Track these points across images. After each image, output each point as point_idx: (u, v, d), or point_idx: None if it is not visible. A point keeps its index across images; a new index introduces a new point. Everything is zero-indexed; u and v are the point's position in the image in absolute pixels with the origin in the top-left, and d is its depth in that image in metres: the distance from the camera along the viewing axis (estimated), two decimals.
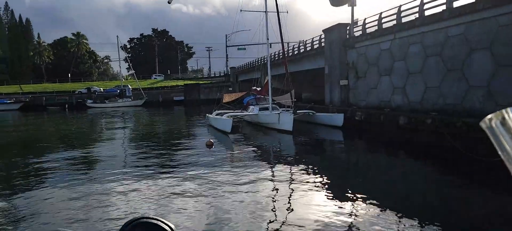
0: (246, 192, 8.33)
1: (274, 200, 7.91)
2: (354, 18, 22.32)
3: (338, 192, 7.93)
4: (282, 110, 19.94)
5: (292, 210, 7.18)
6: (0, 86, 61.41)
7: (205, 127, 22.30)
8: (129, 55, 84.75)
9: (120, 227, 0.86)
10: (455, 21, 13.83)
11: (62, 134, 23.71)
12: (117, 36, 60.62)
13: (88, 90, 57.75)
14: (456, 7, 14.03)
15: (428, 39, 15.05)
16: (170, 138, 20.29)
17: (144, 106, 50.07)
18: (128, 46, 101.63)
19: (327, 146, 16.56)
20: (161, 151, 14.73)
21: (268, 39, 22.18)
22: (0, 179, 11.09)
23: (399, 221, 6.27)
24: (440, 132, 12.02)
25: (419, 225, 6.10)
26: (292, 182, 9.46)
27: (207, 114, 23.31)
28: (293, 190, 8.66)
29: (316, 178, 9.53)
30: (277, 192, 8.51)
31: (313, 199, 7.79)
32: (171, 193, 8.30)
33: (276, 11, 20.80)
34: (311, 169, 10.49)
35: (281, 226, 6.33)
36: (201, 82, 66.95)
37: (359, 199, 7.46)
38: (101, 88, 59.53)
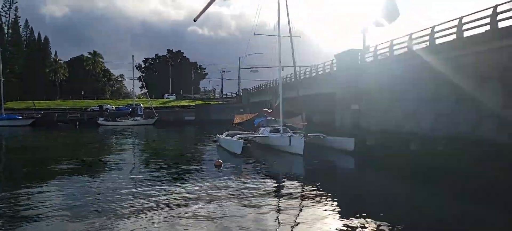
0: (253, 214, 8.31)
1: (281, 223, 7.88)
2: (366, 44, 22.60)
3: (349, 219, 7.83)
4: (293, 133, 19.99)
5: None
6: (13, 102, 62.75)
7: (215, 147, 22.41)
8: (143, 74, 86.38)
9: None
10: (465, 51, 13.96)
11: (68, 151, 23.99)
12: (132, 55, 62.01)
13: (100, 108, 58.72)
14: (467, 37, 14.20)
15: (440, 67, 15.13)
16: (179, 157, 20.39)
17: (155, 125, 50.60)
18: (143, 65, 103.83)
19: (338, 171, 16.44)
20: (169, 170, 14.78)
21: (280, 62, 22.49)
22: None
23: None
24: (452, 157, 11.91)
25: None
26: (301, 205, 9.40)
27: (218, 135, 23.46)
28: (300, 214, 8.61)
29: (327, 203, 9.44)
30: (284, 214, 8.46)
31: (322, 225, 7.70)
32: (178, 213, 8.30)
33: (289, 35, 21.21)
34: (321, 194, 10.41)
35: None
36: (212, 102, 67.65)
37: (368, 227, 7.36)
38: (113, 106, 60.48)
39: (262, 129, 22.39)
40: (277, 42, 22.22)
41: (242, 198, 9.73)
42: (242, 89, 68.55)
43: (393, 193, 11.19)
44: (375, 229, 7.23)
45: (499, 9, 12.73)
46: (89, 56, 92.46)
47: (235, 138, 20.51)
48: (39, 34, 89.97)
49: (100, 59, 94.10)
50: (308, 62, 37.88)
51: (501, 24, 12.65)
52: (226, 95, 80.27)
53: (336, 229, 7.27)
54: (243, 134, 22.51)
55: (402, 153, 15.14)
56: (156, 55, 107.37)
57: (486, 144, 11.95)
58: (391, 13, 20.56)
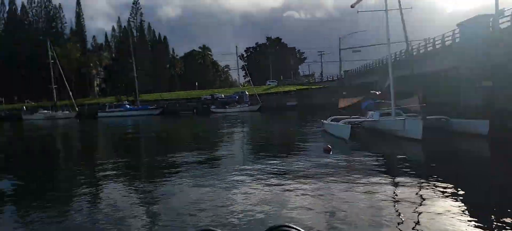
0: (366, 202, 7.85)
1: (397, 215, 7.20)
2: (500, 8, 18.94)
3: (481, 220, 6.60)
4: (408, 115, 18.22)
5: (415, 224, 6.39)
6: (145, 94, 73.20)
7: (320, 133, 22.08)
8: (246, 63, 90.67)
9: None
10: None
11: (191, 135, 26.96)
12: (235, 46, 65.58)
13: (211, 97, 64.05)
14: None
15: None
16: (286, 141, 20.77)
17: (259, 111, 52.85)
18: (245, 55, 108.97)
19: (467, 159, 14.15)
20: (278, 154, 15.12)
21: (389, 39, 20.62)
22: (139, 173, 13.16)
23: None
24: None
25: None
26: (420, 197, 8.32)
27: (322, 120, 23.03)
28: (418, 208, 7.52)
29: (452, 196, 8.18)
30: (400, 206, 7.69)
31: (446, 222, 6.64)
32: (289, 197, 8.42)
33: (398, 8, 19.25)
34: (446, 185, 9.11)
35: None
36: (313, 87, 66.92)
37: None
38: (222, 95, 65.23)
39: (370, 112, 21.06)
40: (384, 17, 20.34)
41: (354, 184, 9.35)
42: (343, 71, 65.77)
43: None
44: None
45: None
46: (199, 50, 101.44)
47: (341, 123, 19.79)
48: (159, 35, 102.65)
49: (209, 53, 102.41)
50: (421, 37, 33.89)
51: None
52: (326, 79, 78.34)
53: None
54: (349, 118, 21.54)
55: None
56: (256, 43, 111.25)
57: None
58: None
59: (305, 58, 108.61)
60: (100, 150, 22.41)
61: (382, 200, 7.95)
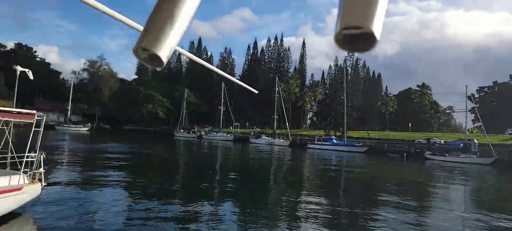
0: None
1: None
2: None
3: None
4: None
5: None
6: (352, 131, 73.13)
7: None
8: (477, 105, 75.58)
9: None
10: None
11: (399, 181, 23.84)
12: (466, 86, 55.37)
13: (427, 141, 56.53)
14: None
15: None
16: None
17: (493, 165, 41.90)
18: (476, 95, 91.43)
19: None
20: None
21: None
22: (340, 211, 12.12)
23: None
24: None
25: None
26: None
27: None
28: None
29: None
30: None
31: None
32: None
33: None
34: None
35: None
36: None
37: None
38: (442, 141, 56.38)
39: None
40: None
41: None
42: None
43: None
44: None
45: None
46: (417, 89, 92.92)
47: None
48: (373, 72, 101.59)
49: (428, 91, 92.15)
50: None
51: None
52: None
53: None
54: None
55: None
56: (494, 82, 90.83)
57: None
58: None
59: None
60: (306, 177, 23.29)
61: None
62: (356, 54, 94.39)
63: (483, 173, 35.22)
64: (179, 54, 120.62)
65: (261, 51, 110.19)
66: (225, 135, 78.60)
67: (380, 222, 11.22)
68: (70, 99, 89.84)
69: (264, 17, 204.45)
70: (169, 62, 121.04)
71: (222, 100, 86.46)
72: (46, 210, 9.28)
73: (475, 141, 50.29)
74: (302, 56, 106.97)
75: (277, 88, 78.07)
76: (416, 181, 25.83)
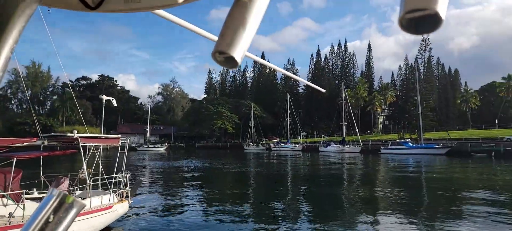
0: None
1: None
2: None
3: None
4: None
5: None
6: (429, 132, 68.25)
7: None
8: None
9: None
10: None
11: (487, 183, 21.90)
12: None
13: None
14: None
15: None
16: None
17: None
18: None
19: None
20: None
21: None
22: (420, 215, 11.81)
23: None
24: None
25: None
26: None
27: None
28: None
29: None
30: None
31: None
32: None
33: None
34: None
35: None
36: None
37: None
38: None
39: None
40: None
41: None
42: None
43: None
44: None
45: None
46: (503, 81, 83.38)
47: None
48: (449, 68, 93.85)
49: None
50: None
51: None
52: None
53: None
54: None
55: None
56: None
57: None
58: None
59: None
60: (381, 184, 22.63)
61: None
62: (428, 51, 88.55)
63: None
64: (244, 70, 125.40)
65: (324, 59, 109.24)
66: (294, 145, 78.99)
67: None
68: (148, 122, 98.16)
69: (326, 24, 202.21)
70: (235, 79, 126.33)
71: (288, 111, 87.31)
72: (135, 224, 10.15)
73: None
74: (369, 59, 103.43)
75: (344, 95, 76.58)
76: (509, 182, 23.46)
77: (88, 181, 9.00)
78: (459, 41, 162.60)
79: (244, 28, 0.53)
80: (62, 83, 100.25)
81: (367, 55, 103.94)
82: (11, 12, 0.45)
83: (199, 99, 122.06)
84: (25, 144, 8.76)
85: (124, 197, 9.91)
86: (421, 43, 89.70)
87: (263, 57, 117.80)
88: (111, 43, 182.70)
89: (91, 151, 9.97)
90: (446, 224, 10.53)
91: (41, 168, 9.84)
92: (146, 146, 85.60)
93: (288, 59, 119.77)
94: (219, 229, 9.66)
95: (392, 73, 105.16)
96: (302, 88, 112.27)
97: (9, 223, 6.87)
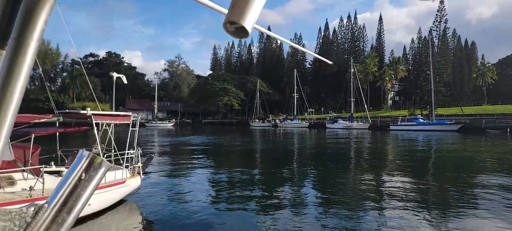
0: None
1: None
2: None
3: None
4: None
5: None
6: (442, 108, 65.57)
7: None
8: None
9: None
10: None
11: (500, 160, 19.96)
12: None
13: None
14: None
15: None
16: None
17: None
18: None
19: None
20: None
21: None
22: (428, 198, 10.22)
23: None
24: None
25: None
26: None
27: None
28: None
29: None
30: None
31: None
32: None
33: None
34: None
35: None
36: None
37: None
38: None
39: None
40: None
41: None
42: None
43: None
44: None
45: None
46: None
47: None
48: (466, 41, 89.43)
49: None
50: None
51: None
52: None
53: None
54: None
55: None
56: None
57: None
58: None
59: None
60: (389, 160, 21.05)
61: None
62: (443, 23, 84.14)
63: None
64: (250, 46, 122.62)
65: (333, 33, 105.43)
66: (300, 121, 77.37)
67: (483, 209, 9.18)
68: (156, 98, 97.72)
69: None
70: (240, 55, 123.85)
71: (295, 87, 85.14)
72: (146, 198, 10.41)
73: None
74: (379, 32, 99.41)
75: (352, 70, 73.83)
76: None
77: (101, 157, 8.08)
78: (479, 11, 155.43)
79: None
80: (71, 60, 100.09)
81: (378, 28, 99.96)
82: None
83: (204, 75, 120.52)
84: (42, 120, 9.11)
85: (136, 172, 10.24)
86: (436, 14, 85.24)
87: (269, 30, 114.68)
88: (116, 20, 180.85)
89: (103, 127, 10.21)
90: (455, 208, 9.10)
91: (58, 143, 10.31)
92: (155, 122, 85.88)
93: (295, 34, 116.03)
94: (227, 202, 9.98)
95: (404, 47, 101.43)
96: (309, 64, 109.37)
97: (30, 196, 7.33)
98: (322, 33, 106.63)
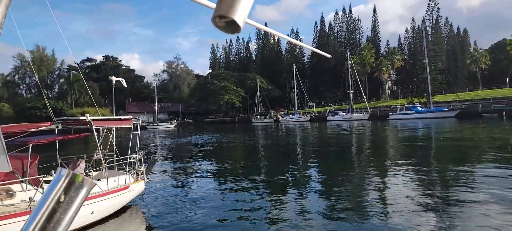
0: None
1: None
2: None
3: None
4: None
5: None
6: (439, 95, 67.44)
7: None
8: None
9: None
10: None
11: (497, 143, 21.72)
12: None
13: None
14: None
15: None
16: None
17: None
18: None
19: None
20: None
21: None
22: (429, 182, 11.83)
23: None
24: None
25: None
26: None
27: None
28: None
29: None
30: None
31: None
32: None
33: None
34: None
35: None
36: None
37: None
38: None
39: None
40: None
41: None
42: None
43: None
44: None
45: None
46: None
47: None
48: (458, 28, 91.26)
49: None
50: None
51: None
52: None
53: None
54: None
55: None
56: None
57: None
58: None
59: None
60: (391, 149, 22.58)
61: None
62: (436, 12, 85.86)
63: None
64: (247, 43, 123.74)
65: (329, 26, 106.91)
66: (301, 115, 78.99)
67: (484, 190, 10.80)
68: (156, 100, 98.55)
69: None
70: (238, 52, 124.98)
71: (295, 82, 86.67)
72: (151, 202, 10.31)
73: None
74: (374, 24, 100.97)
75: (349, 62, 75.50)
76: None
77: (103, 163, 9.10)
78: None
79: None
80: (68, 66, 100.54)
81: (372, 19, 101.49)
82: None
83: (204, 75, 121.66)
84: (39, 128, 8.79)
85: (139, 176, 10.03)
86: (428, 4, 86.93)
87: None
88: (113, 23, 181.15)
89: (104, 133, 10.05)
90: (456, 190, 10.50)
91: (57, 150, 10.02)
92: (156, 124, 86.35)
93: (292, 29, 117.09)
94: (233, 204, 9.76)
95: (399, 37, 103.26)
96: (307, 58, 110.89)
97: (30, 208, 7.05)
98: (318, 27, 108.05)
